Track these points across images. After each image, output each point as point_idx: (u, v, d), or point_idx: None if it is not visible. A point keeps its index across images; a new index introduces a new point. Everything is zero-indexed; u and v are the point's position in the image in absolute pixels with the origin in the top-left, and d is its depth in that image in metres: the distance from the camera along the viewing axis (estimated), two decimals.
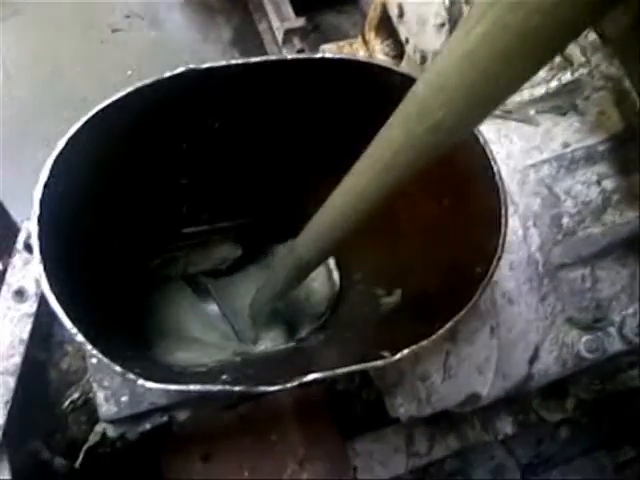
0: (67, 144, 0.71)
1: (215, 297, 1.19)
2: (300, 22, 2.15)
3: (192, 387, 0.64)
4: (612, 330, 1.10)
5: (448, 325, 0.70)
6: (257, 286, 1.20)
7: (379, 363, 0.69)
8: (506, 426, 1.66)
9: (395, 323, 0.91)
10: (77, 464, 1.11)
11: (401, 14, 1.50)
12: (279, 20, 2.18)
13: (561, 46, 0.40)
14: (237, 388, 0.65)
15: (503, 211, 0.73)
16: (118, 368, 0.63)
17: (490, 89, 0.43)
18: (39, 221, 0.68)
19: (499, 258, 0.73)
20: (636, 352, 1.19)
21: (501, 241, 0.73)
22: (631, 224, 1.04)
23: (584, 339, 1.07)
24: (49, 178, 0.69)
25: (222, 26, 2.46)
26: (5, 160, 2.06)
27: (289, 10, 2.18)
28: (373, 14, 1.67)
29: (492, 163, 0.75)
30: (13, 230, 1.09)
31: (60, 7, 2.40)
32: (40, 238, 0.68)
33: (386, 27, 1.65)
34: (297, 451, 1.70)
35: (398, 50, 1.66)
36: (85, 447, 1.10)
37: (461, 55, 0.42)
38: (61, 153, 0.70)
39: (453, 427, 1.79)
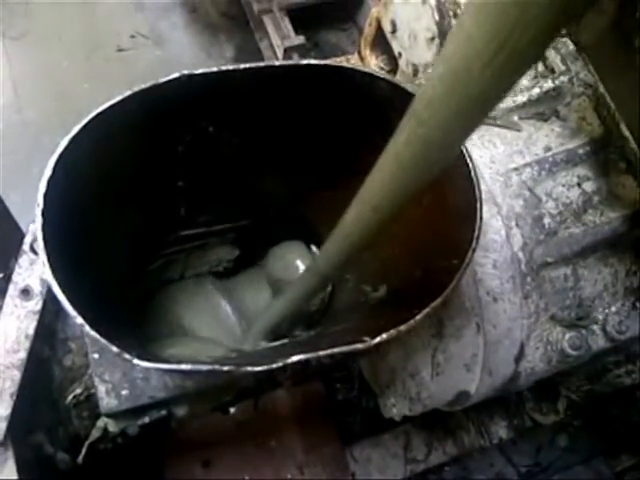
0: (69, 144, 0.76)
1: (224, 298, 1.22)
2: (300, 40, 2.22)
3: (183, 366, 0.68)
4: (595, 328, 1.13)
5: (425, 311, 0.74)
6: (254, 288, 1.24)
7: (359, 346, 0.73)
8: (501, 430, 1.69)
9: (380, 315, 0.95)
10: (79, 459, 1.14)
11: (394, 29, 1.57)
12: (279, 38, 2.25)
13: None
14: (225, 368, 0.69)
15: (478, 205, 0.78)
16: (114, 348, 0.68)
17: (409, 180, 0.60)
18: (43, 214, 0.73)
19: (474, 250, 0.77)
20: (622, 351, 1.22)
21: (476, 233, 0.77)
22: (611, 224, 1.08)
23: (567, 336, 1.10)
24: (52, 175, 0.74)
25: (224, 44, 2.53)
26: (13, 177, 2.11)
27: (289, 28, 2.25)
28: (368, 30, 1.74)
29: (468, 161, 0.79)
30: (20, 240, 1.13)
31: (67, 28, 2.48)
32: (44, 230, 0.72)
33: (381, 43, 1.72)
34: (296, 457, 1.73)
35: (392, 65, 1.72)
36: (87, 442, 1.13)
37: (391, 154, 0.59)
38: (64, 152, 0.75)
39: (449, 433, 1.81)
